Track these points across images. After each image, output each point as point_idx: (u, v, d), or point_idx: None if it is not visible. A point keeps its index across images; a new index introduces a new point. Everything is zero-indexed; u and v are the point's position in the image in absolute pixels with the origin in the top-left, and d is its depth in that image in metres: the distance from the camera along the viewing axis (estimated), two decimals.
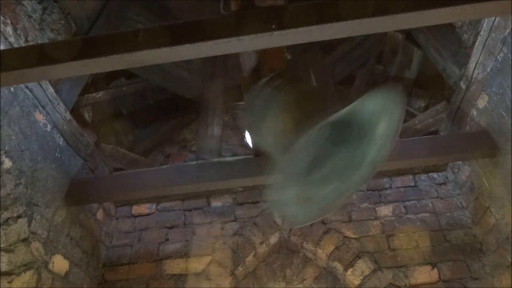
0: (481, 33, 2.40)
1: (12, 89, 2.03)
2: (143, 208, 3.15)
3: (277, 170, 1.33)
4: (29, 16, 2.35)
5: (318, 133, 1.39)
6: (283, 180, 1.36)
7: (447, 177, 3.06)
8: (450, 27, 2.95)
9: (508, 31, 2.18)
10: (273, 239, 2.93)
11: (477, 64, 2.49)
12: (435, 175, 3.08)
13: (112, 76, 3.34)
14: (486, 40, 2.35)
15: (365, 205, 2.97)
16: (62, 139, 2.48)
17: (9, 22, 2.10)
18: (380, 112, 1.38)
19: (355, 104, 1.29)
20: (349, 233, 2.84)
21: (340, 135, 1.51)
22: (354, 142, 1.52)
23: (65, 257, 2.40)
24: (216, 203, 3.11)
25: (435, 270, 2.63)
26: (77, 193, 2.51)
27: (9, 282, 1.91)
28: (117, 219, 3.12)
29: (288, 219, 1.55)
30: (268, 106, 1.55)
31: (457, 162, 2.92)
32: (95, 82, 3.14)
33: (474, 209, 2.76)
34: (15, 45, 2.08)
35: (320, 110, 1.36)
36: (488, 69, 2.40)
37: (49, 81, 2.39)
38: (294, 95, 1.54)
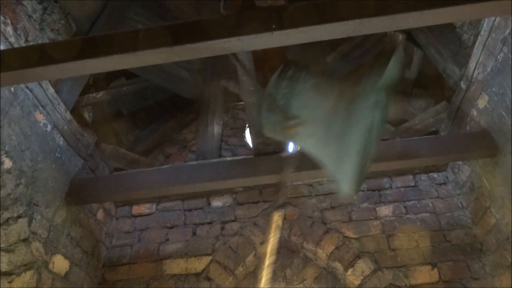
0: (481, 33, 2.40)
1: (12, 89, 2.03)
2: (143, 208, 3.15)
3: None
4: (30, 16, 2.35)
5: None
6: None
7: (447, 177, 3.06)
8: (450, 27, 2.95)
9: (508, 31, 2.18)
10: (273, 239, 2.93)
11: (477, 64, 2.48)
12: (435, 175, 3.08)
13: (112, 76, 3.34)
14: (486, 40, 2.35)
15: (365, 205, 2.97)
16: (62, 139, 2.48)
17: (10, 22, 2.10)
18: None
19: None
20: (349, 233, 2.84)
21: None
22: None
23: (65, 257, 2.40)
24: (216, 203, 3.11)
25: (435, 270, 2.63)
26: (77, 193, 2.51)
27: (9, 282, 1.91)
28: (117, 219, 3.12)
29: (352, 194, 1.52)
30: (300, 91, 1.49)
31: (457, 162, 2.91)
32: (95, 82, 3.14)
33: (474, 209, 2.76)
34: (15, 45, 2.08)
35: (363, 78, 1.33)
36: (489, 69, 2.40)
37: (49, 81, 2.39)
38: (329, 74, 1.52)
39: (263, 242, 2.89)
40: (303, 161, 2.47)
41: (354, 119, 1.26)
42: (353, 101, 1.27)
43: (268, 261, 1.40)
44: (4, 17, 2.07)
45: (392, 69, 1.42)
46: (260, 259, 2.70)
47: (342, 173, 1.38)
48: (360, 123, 1.26)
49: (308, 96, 1.45)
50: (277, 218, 1.53)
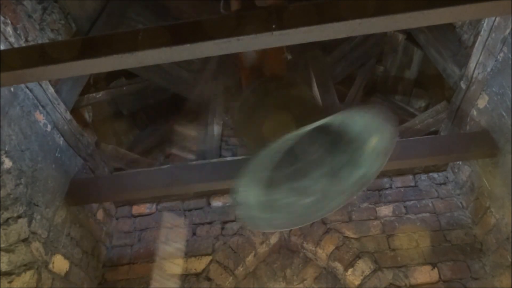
0: (481, 33, 2.40)
1: (12, 89, 2.03)
2: (143, 208, 3.15)
3: (245, 172, 1.33)
4: (29, 16, 2.35)
5: (297, 140, 1.39)
6: (249, 183, 1.36)
7: (447, 177, 3.06)
8: (450, 27, 2.95)
9: (508, 31, 2.18)
10: (273, 239, 2.93)
11: (477, 64, 2.48)
12: (435, 175, 3.08)
13: (112, 76, 3.34)
14: (487, 40, 2.35)
15: (365, 205, 2.97)
16: (62, 139, 2.48)
17: (9, 22, 2.10)
18: (370, 130, 1.37)
19: (336, 116, 1.28)
20: (349, 233, 2.84)
21: (330, 147, 1.50)
22: (343, 156, 1.52)
23: (65, 257, 2.40)
24: (216, 203, 3.11)
25: (435, 270, 2.63)
26: (77, 193, 2.51)
27: (9, 282, 1.91)
28: (117, 219, 3.12)
29: (250, 222, 1.53)
30: (256, 108, 1.54)
31: (457, 162, 2.91)
32: (95, 82, 3.14)
33: (474, 209, 2.76)
34: (15, 45, 2.08)
35: (303, 118, 1.34)
36: (489, 69, 2.40)
37: (49, 81, 2.39)
38: (281, 100, 1.54)
39: (263, 242, 2.89)
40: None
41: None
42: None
43: None
44: (4, 17, 2.07)
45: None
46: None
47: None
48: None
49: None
50: None
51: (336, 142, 1.47)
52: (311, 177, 1.55)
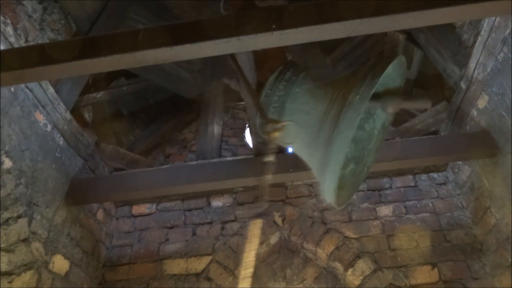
0: (482, 33, 2.40)
1: (12, 89, 2.03)
2: (143, 208, 3.15)
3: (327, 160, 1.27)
4: (30, 16, 2.35)
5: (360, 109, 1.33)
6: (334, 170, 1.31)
7: (447, 177, 3.06)
8: (450, 27, 2.95)
9: (508, 31, 2.18)
10: (274, 239, 2.93)
11: (478, 64, 2.48)
12: (435, 175, 3.08)
13: (112, 76, 3.34)
14: (487, 40, 2.35)
15: (365, 205, 2.97)
16: (62, 139, 2.48)
17: (10, 22, 2.10)
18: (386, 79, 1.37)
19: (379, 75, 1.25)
20: (349, 233, 2.84)
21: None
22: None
23: (65, 257, 2.40)
24: (216, 203, 3.11)
25: (435, 270, 2.63)
26: (77, 193, 2.51)
27: (9, 282, 1.91)
28: (117, 219, 3.12)
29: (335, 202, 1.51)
30: (296, 94, 1.48)
31: (457, 162, 2.91)
32: (95, 82, 3.14)
33: (474, 209, 2.76)
34: (15, 45, 2.08)
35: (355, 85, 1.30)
36: (489, 69, 2.40)
37: (49, 81, 2.39)
38: (322, 76, 1.50)
39: (263, 242, 2.89)
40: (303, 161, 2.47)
41: (341, 128, 1.23)
42: (342, 109, 1.24)
43: (244, 276, 1.36)
44: (4, 17, 2.07)
45: (392, 76, 1.40)
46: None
47: (323, 183, 1.37)
48: (347, 132, 1.23)
49: (302, 100, 1.43)
50: (255, 228, 1.47)
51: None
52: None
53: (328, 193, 1.38)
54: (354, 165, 1.57)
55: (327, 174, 1.31)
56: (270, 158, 1.40)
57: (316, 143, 1.34)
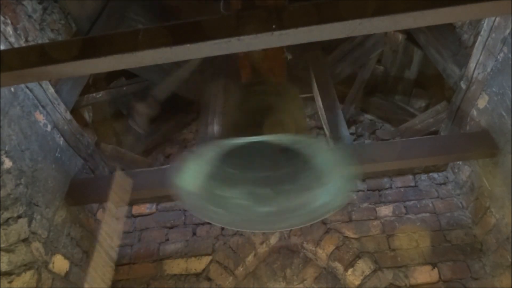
0: (482, 33, 2.40)
1: (12, 89, 2.03)
2: (143, 208, 3.15)
3: (194, 156, 1.32)
4: (29, 16, 2.35)
5: (268, 149, 1.39)
6: (195, 168, 1.35)
7: (447, 177, 3.06)
8: (450, 27, 2.95)
9: (508, 31, 2.18)
10: (273, 239, 2.93)
11: (478, 64, 2.48)
12: (435, 175, 3.08)
13: (112, 76, 3.34)
14: (487, 40, 2.35)
15: (365, 205, 2.97)
16: (62, 139, 2.48)
17: (9, 22, 2.10)
18: (334, 169, 1.36)
19: (282, 138, 1.28)
20: (349, 233, 2.84)
21: (303, 167, 1.48)
22: (312, 180, 1.49)
23: (65, 257, 2.40)
24: None
25: (435, 270, 2.63)
26: (77, 193, 2.51)
27: (9, 282, 1.91)
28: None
29: (189, 207, 1.54)
30: (237, 105, 1.54)
31: (457, 162, 2.92)
32: (95, 82, 3.14)
33: (474, 209, 2.76)
34: (15, 45, 2.08)
35: (267, 128, 1.34)
36: (489, 69, 2.40)
37: (49, 81, 2.39)
38: (255, 104, 1.53)
39: (263, 242, 2.90)
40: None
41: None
42: None
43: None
44: (4, 17, 2.07)
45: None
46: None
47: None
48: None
49: None
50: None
51: (308, 164, 1.45)
52: (276, 190, 1.53)
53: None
54: (271, 210, 1.56)
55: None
56: None
57: None
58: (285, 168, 1.53)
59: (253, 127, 1.36)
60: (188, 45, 1.29)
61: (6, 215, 1.94)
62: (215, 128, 3.20)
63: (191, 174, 1.37)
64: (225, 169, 1.49)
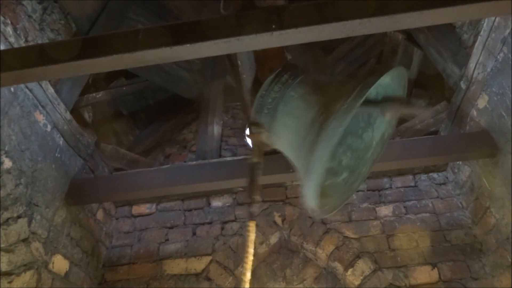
0: (481, 33, 2.40)
1: (12, 89, 2.03)
2: (143, 208, 3.15)
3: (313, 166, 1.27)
4: (29, 16, 2.35)
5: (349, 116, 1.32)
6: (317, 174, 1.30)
7: (447, 177, 3.06)
8: (450, 27, 2.95)
9: (508, 31, 2.18)
10: (273, 239, 2.93)
11: (477, 64, 2.48)
12: (435, 175, 3.08)
13: (112, 76, 3.34)
14: (486, 40, 2.35)
15: (365, 205, 2.97)
16: (62, 139, 2.48)
17: (9, 22, 2.10)
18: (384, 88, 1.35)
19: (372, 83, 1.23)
20: (349, 233, 2.84)
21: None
22: (360, 122, 1.50)
23: (65, 257, 2.40)
24: (216, 203, 3.11)
25: (435, 270, 2.63)
26: (77, 193, 2.51)
27: (9, 282, 1.91)
28: (117, 219, 3.12)
29: (316, 210, 1.50)
30: (289, 98, 1.49)
31: (457, 162, 2.91)
32: (95, 82, 3.14)
33: (474, 209, 2.76)
34: (15, 45, 2.08)
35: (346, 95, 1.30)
36: (488, 69, 2.40)
37: (49, 81, 2.39)
38: (318, 83, 1.49)
39: (263, 242, 2.89)
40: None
41: (323, 137, 1.23)
42: (329, 118, 1.23)
43: (246, 279, 1.36)
44: (4, 17, 2.07)
45: (392, 86, 1.38)
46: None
47: (307, 189, 1.37)
48: (329, 142, 1.22)
49: (294, 104, 1.43)
50: (251, 229, 1.47)
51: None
52: (336, 156, 1.53)
53: (308, 200, 1.39)
54: (348, 174, 1.55)
55: (307, 181, 1.32)
56: (255, 159, 1.41)
57: (302, 149, 1.34)
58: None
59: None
60: (188, 45, 1.29)
61: (6, 215, 1.94)
62: (215, 129, 3.20)
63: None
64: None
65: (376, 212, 2.93)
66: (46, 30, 2.52)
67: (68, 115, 2.55)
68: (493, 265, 2.54)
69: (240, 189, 3.12)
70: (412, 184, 3.05)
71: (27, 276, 2.03)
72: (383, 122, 1.47)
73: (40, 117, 2.26)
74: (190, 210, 3.09)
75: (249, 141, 3.20)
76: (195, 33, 1.29)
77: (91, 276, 2.68)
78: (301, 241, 2.88)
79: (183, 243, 2.92)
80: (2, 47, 1.97)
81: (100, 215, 2.90)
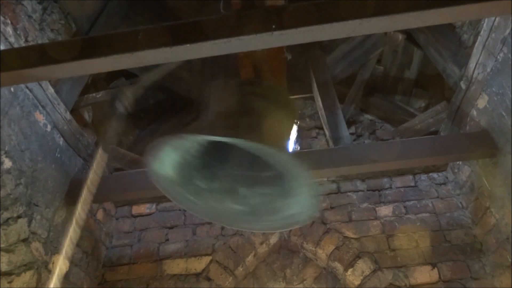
0: (481, 33, 2.40)
1: (12, 89, 2.03)
2: (143, 208, 3.15)
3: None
4: (29, 16, 2.35)
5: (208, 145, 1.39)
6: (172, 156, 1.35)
7: (447, 177, 3.06)
8: (450, 27, 2.95)
9: (508, 31, 2.18)
10: (273, 239, 2.93)
11: (477, 64, 2.49)
12: (435, 175, 3.08)
13: (112, 76, 3.34)
14: (486, 40, 2.35)
15: (365, 205, 2.97)
16: (62, 139, 2.48)
17: (9, 22, 2.10)
18: (301, 184, 1.35)
19: (247, 144, 1.27)
20: (349, 233, 2.84)
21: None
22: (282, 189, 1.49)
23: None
24: None
25: (435, 270, 2.63)
26: (77, 193, 2.48)
27: (9, 282, 1.91)
28: (117, 219, 3.12)
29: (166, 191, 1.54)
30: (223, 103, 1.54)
31: (457, 162, 2.92)
32: (95, 82, 3.14)
33: (474, 209, 2.76)
34: (15, 45, 2.08)
35: (241, 130, 1.34)
36: (488, 69, 2.40)
37: (49, 81, 2.39)
38: (235, 104, 1.52)
39: (263, 242, 2.90)
40: (303, 161, 2.47)
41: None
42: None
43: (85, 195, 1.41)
44: (4, 17, 2.07)
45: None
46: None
47: (167, 152, 1.39)
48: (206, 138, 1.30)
49: None
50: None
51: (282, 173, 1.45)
52: (253, 190, 1.53)
53: (159, 160, 1.39)
54: (234, 203, 1.56)
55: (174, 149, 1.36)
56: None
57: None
58: (264, 171, 1.52)
59: (228, 127, 1.36)
60: (188, 45, 1.29)
61: (6, 215, 1.94)
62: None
63: (169, 160, 1.37)
64: (207, 161, 1.49)
65: (376, 212, 2.93)
66: (46, 30, 2.52)
67: (68, 115, 2.55)
68: (493, 265, 2.54)
69: None
70: (412, 184, 3.05)
71: (27, 276, 2.03)
72: (303, 205, 1.43)
73: (40, 117, 2.26)
74: None
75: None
76: (195, 33, 1.29)
77: (91, 276, 2.68)
78: (301, 241, 2.88)
79: (183, 243, 2.92)
80: (2, 47, 1.97)
81: (100, 215, 2.90)
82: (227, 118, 1.44)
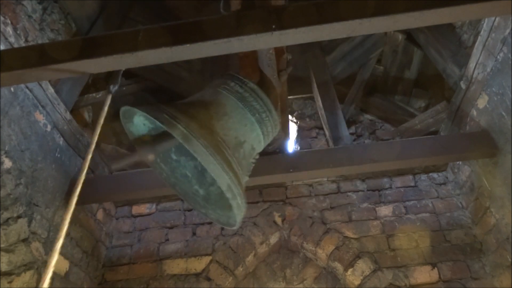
0: (481, 33, 2.40)
1: (12, 89, 2.03)
2: (143, 208, 3.15)
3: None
4: (29, 16, 2.35)
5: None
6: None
7: (447, 177, 3.06)
8: (450, 27, 2.95)
9: (508, 31, 2.18)
10: (273, 239, 2.93)
11: (477, 64, 2.49)
12: (435, 175, 3.08)
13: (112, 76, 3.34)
14: (486, 40, 2.35)
15: (365, 205, 2.97)
16: (62, 139, 2.48)
17: (9, 22, 2.10)
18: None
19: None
20: (349, 233, 2.84)
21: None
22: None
23: (65, 257, 2.40)
24: None
25: (435, 270, 2.63)
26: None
27: (9, 282, 1.91)
28: (117, 219, 3.12)
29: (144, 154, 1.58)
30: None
31: (457, 162, 2.92)
32: (95, 82, 3.14)
33: (474, 209, 2.76)
34: (15, 45, 2.08)
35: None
36: (488, 69, 2.40)
37: (49, 81, 2.39)
38: (200, 96, 1.56)
39: (263, 242, 2.89)
40: (303, 161, 2.47)
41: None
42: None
43: None
44: (4, 17, 2.07)
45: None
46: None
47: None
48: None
49: None
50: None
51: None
52: (208, 182, 1.63)
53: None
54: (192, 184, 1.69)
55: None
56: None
57: None
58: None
59: (177, 109, 1.38)
60: (188, 45, 1.29)
61: (6, 215, 1.94)
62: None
63: (146, 126, 1.41)
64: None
65: (376, 212, 2.93)
66: (46, 30, 2.51)
67: (68, 115, 2.55)
68: (493, 265, 2.54)
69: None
70: (412, 184, 3.05)
71: (27, 276, 2.03)
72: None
73: (40, 117, 2.26)
74: (190, 210, 3.09)
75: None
76: (195, 33, 1.30)
77: (91, 276, 2.68)
78: (301, 241, 2.88)
79: (183, 243, 2.92)
80: (2, 47, 1.97)
81: (100, 215, 2.90)
82: (187, 106, 1.47)
